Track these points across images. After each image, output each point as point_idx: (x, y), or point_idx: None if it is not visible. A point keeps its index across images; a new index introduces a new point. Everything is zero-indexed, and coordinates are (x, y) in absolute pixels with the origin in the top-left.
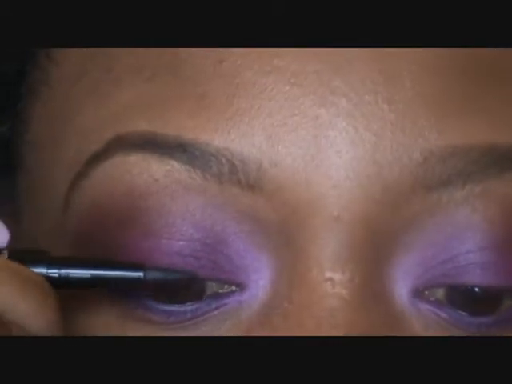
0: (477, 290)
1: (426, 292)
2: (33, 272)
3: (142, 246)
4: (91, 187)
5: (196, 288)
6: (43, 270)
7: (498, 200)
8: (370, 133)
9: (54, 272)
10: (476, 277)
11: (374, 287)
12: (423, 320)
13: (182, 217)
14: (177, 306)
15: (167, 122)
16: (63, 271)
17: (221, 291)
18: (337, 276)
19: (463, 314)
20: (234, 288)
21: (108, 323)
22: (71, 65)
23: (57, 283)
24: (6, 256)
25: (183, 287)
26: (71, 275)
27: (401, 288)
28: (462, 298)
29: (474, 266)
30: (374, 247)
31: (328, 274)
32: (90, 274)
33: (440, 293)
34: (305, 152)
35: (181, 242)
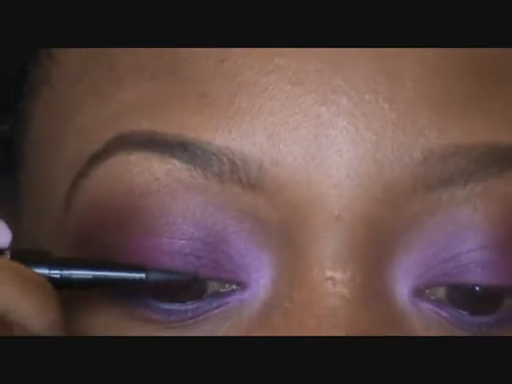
0: (478, 289)
1: (427, 291)
2: (35, 272)
3: (142, 245)
4: (92, 186)
5: (197, 287)
6: (45, 271)
7: (498, 199)
8: (371, 132)
9: (55, 273)
10: (477, 276)
11: (374, 286)
12: (424, 319)
13: (183, 216)
14: (177, 304)
15: (168, 120)
16: (65, 272)
17: (222, 290)
18: (338, 275)
19: (464, 313)
20: (234, 287)
21: (109, 322)
22: (72, 64)
23: (58, 284)
24: (9, 256)
25: (184, 287)
26: (73, 276)
27: (402, 287)
28: (463, 297)
29: (474, 265)
30: (375, 246)
31: (329, 273)
32: (92, 275)
33: (441, 292)
34: (306, 151)
35: (182, 241)
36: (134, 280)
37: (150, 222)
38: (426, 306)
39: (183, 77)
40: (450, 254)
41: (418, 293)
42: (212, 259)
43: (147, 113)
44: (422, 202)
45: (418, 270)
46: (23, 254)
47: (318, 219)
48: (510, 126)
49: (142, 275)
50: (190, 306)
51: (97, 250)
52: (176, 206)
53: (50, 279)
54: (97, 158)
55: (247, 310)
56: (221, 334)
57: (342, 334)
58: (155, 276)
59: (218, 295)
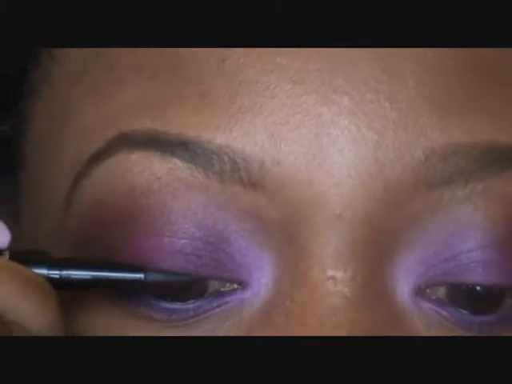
0: (478, 288)
1: (428, 290)
2: (34, 273)
3: (143, 245)
4: (92, 186)
5: (198, 286)
6: (44, 271)
7: (499, 198)
8: (372, 131)
9: (55, 273)
10: (478, 275)
11: (375, 285)
12: (425, 318)
13: (184, 215)
14: (179, 303)
15: (170, 120)
16: (64, 272)
17: (222, 289)
18: (339, 274)
19: (465, 312)
20: (235, 286)
21: (109, 322)
22: (73, 64)
23: (58, 284)
24: (8, 257)
25: (184, 288)
26: (72, 276)
27: (402, 286)
28: (464, 296)
29: (475, 264)
30: (376, 245)
31: (330, 273)
32: (91, 276)
33: (442, 291)
34: (307, 150)
35: (183, 241)
36: (133, 280)
37: (151, 222)
38: (426, 306)
39: (184, 76)
40: (450, 253)
41: (419, 292)
42: (213, 259)
43: (148, 112)
44: (423, 201)
45: (418, 269)
46: (22, 254)
47: (320, 218)
48: (510, 126)
49: (141, 276)
50: (191, 305)
51: (97, 250)
52: (177, 205)
53: (49, 279)
54: (97, 157)
55: (248, 309)
56: (222, 333)
57: (343, 333)
58: (154, 276)
59: (219, 294)
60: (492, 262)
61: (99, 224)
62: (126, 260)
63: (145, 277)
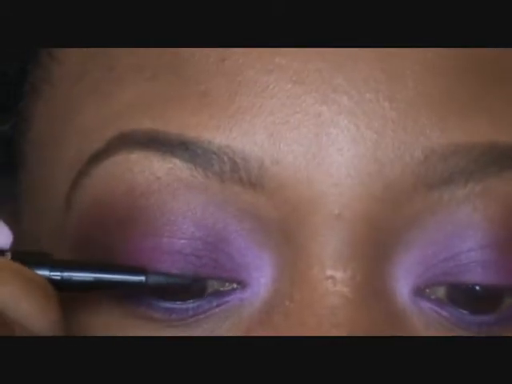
0: (478, 288)
1: (427, 290)
2: (35, 273)
3: (142, 245)
4: (92, 186)
5: (197, 286)
6: (46, 273)
7: (498, 199)
8: (372, 131)
9: (56, 274)
10: (477, 275)
11: (375, 285)
12: (424, 318)
13: (184, 215)
14: (178, 303)
15: (170, 120)
16: (65, 274)
17: (222, 289)
18: (338, 274)
19: (464, 312)
20: (235, 286)
21: (109, 322)
22: (73, 64)
23: (59, 286)
24: (9, 257)
25: (184, 288)
26: (73, 278)
27: (402, 286)
28: (463, 296)
29: (475, 264)
30: (376, 245)
31: (329, 272)
32: (93, 278)
33: (441, 291)
34: (306, 150)
35: (182, 241)
36: (134, 282)
37: (151, 222)
38: (426, 305)
39: (184, 76)
40: (450, 253)
41: (419, 292)
42: (212, 258)
43: (148, 112)
44: (422, 200)
45: (418, 269)
46: (24, 255)
47: (319, 218)
48: (510, 126)
49: (142, 278)
50: (190, 304)
51: (97, 250)
52: (177, 205)
53: (51, 281)
54: (97, 157)
55: (248, 308)
56: (221, 333)
57: (343, 333)
58: (155, 279)
59: (218, 294)
60: (491, 262)
61: (99, 224)
62: (125, 260)
63: (146, 279)
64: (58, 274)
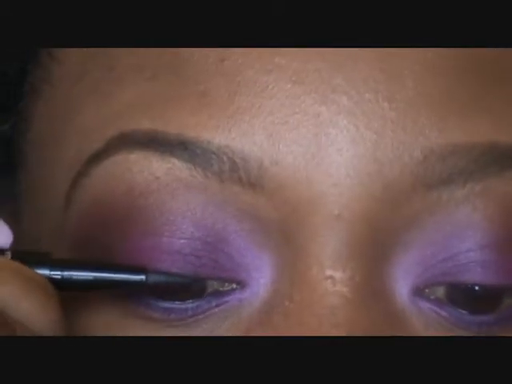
0: (477, 288)
1: (427, 290)
2: (35, 273)
3: (142, 244)
4: (92, 186)
5: (197, 286)
6: (46, 272)
7: (498, 199)
8: (371, 131)
9: (56, 274)
10: (476, 275)
11: (374, 285)
12: (423, 318)
13: (183, 215)
14: (178, 303)
15: (169, 120)
16: (66, 273)
17: (221, 289)
18: (337, 274)
19: (463, 312)
20: (234, 286)
21: (109, 321)
22: (73, 64)
23: (59, 285)
24: (9, 257)
25: (183, 288)
26: (74, 277)
27: (401, 286)
28: (463, 296)
29: (474, 264)
30: (375, 245)
31: (328, 272)
32: (93, 277)
33: (440, 291)
34: (305, 150)
35: (181, 241)
36: (134, 282)
37: (150, 221)
38: (425, 306)
39: (183, 76)
40: (449, 254)
41: (418, 292)
42: (212, 259)
43: (148, 112)
44: (421, 201)
45: (417, 270)
46: (24, 254)
47: (318, 218)
48: (510, 126)
49: (142, 277)
50: (190, 304)
51: (97, 249)
52: (176, 205)
53: (51, 280)
54: (97, 157)
55: (247, 309)
56: (221, 333)
57: (342, 333)
58: (155, 278)
59: (217, 294)
60: (491, 262)
61: (98, 224)
62: (124, 260)
63: (146, 278)
64: (59, 273)
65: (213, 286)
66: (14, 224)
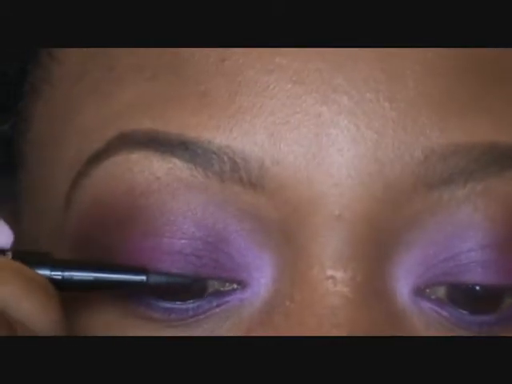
0: (478, 288)
1: (428, 290)
2: (36, 273)
3: (143, 245)
4: (92, 186)
5: (197, 286)
6: (47, 272)
7: (499, 198)
8: (372, 131)
9: (57, 274)
10: (477, 275)
11: (375, 285)
12: (424, 318)
13: (184, 215)
14: (178, 303)
15: (170, 120)
16: (66, 273)
17: (222, 289)
18: (338, 274)
19: (464, 312)
20: (235, 286)
21: (109, 321)
22: (73, 64)
23: (60, 285)
24: (10, 257)
25: (184, 289)
26: (74, 277)
27: (402, 286)
28: (463, 296)
29: (475, 264)
30: (376, 245)
31: (329, 272)
32: (93, 277)
33: (441, 291)
34: (306, 150)
35: (182, 241)
36: (135, 282)
37: (151, 222)
38: (426, 305)
39: (184, 76)
40: (450, 254)
41: (419, 292)
42: (212, 259)
43: (148, 112)
44: (422, 201)
45: (418, 269)
46: (25, 254)
47: (319, 218)
48: (510, 126)
49: (143, 278)
50: (190, 304)
51: (97, 250)
52: (177, 205)
53: (52, 280)
54: (97, 157)
55: (248, 309)
56: (221, 333)
57: (343, 333)
58: (156, 279)
59: (218, 294)
60: (492, 262)
61: (99, 224)
62: (125, 260)
63: (147, 279)
64: (59, 273)
65: (213, 286)
66: (14, 224)
